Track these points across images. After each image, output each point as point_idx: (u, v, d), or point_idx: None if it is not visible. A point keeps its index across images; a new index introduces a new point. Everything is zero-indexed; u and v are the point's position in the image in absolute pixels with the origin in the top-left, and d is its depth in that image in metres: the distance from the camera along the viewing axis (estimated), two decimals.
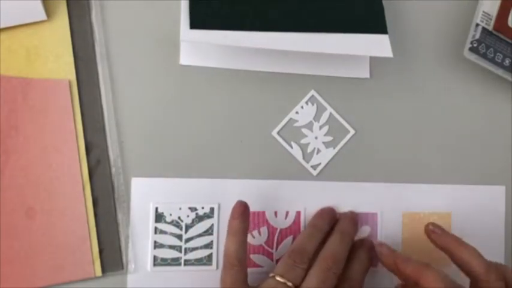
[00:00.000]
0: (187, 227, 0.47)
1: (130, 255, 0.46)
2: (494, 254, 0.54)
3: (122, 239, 0.45)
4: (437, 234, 0.49)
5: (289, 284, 0.43)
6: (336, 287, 0.45)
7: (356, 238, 0.50)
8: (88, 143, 0.45)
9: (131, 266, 0.45)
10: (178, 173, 0.47)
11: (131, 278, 0.46)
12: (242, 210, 0.45)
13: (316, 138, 0.51)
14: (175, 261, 0.47)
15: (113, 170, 0.46)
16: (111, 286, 0.45)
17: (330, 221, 0.49)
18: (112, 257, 0.45)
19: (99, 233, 0.45)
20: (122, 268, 0.45)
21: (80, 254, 0.44)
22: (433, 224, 0.50)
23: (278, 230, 0.49)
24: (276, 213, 0.49)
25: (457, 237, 0.48)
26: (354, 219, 0.50)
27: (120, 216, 0.45)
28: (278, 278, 0.43)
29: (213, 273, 0.47)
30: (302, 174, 0.50)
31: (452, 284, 0.43)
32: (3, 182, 0.43)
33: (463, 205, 0.53)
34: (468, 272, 0.46)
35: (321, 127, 0.51)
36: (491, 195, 0.55)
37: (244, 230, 0.45)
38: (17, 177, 0.43)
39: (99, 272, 0.44)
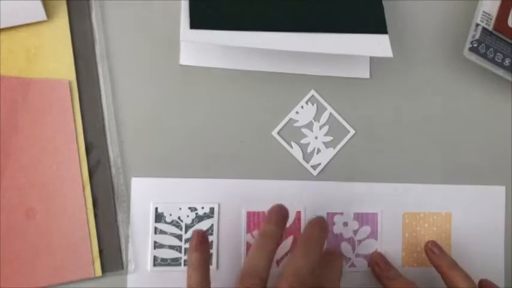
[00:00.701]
0: (187, 227, 0.47)
1: (130, 255, 0.46)
2: (494, 254, 0.54)
3: (122, 239, 0.45)
4: (434, 254, 0.50)
5: None
6: None
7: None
8: (88, 143, 0.45)
9: (131, 266, 0.45)
10: (178, 173, 0.47)
11: (131, 278, 0.46)
12: (200, 241, 0.43)
13: (316, 138, 0.51)
14: (175, 262, 0.47)
15: (113, 170, 0.46)
16: (111, 286, 0.45)
17: (281, 222, 0.44)
18: (112, 257, 0.45)
19: (99, 233, 0.45)
20: (122, 268, 0.45)
21: (80, 254, 0.44)
22: (432, 242, 0.51)
23: None
24: None
25: (452, 261, 0.49)
26: (322, 224, 0.45)
27: (120, 216, 0.45)
28: None
29: (212, 274, 0.46)
30: (302, 174, 0.50)
31: None
32: (3, 182, 0.43)
33: (463, 205, 0.53)
34: None
35: (321, 127, 0.51)
36: (491, 195, 0.55)
37: (205, 261, 0.43)
38: (17, 177, 0.43)
39: (99, 272, 0.44)
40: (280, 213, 0.45)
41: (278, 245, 0.44)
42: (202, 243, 0.43)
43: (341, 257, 0.48)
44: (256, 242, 0.43)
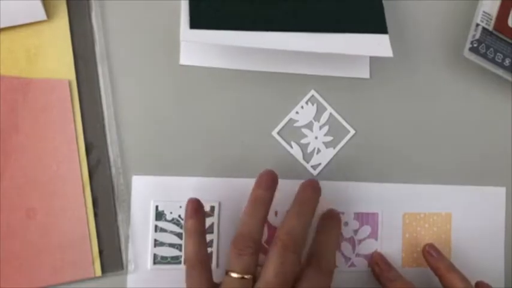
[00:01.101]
0: None
1: (130, 255, 0.46)
2: (494, 255, 0.54)
3: (122, 239, 0.45)
4: (432, 257, 0.50)
5: (247, 276, 0.41)
6: (305, 264, 0.44)
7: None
8: (88, 143, 0.45)
9: (131, 266, 0.45)
10: (178, 172, 0.47)
11: (131, 278, 0.46)
12: (195, 208, 0.43)
13: (316, 138, 0.51)
14: (175, 260, 0.47)
15: (113, 170, 0.46)
16: (111, 286, 0.45)
17: (271, 186, 0.45)
18: (112, 257, 0.45)
19: (99, 233, 0.45)
20: (122, 268, 0.45)
21: (80, 254, 0.44)
22: (430, 245, 0.51)
23: None
24: (276, 212, 0.49)
25: (449, 263, 0.49)
26: (315, 186, 0.46)
27: (120, 216, 0.45)
28: (232, 275, 0.41)
29: (213, 272, 0.46)
30: (302, 174, 0.50)
31: None
32: (3, 182, 0.43)
33: (464, 206, 0.53)
34: None
35: (321, 127, 0.51)
36: (491, 196, 0.54)
37: (201, 228, 0.43)
38: (17, 177, 0.43)
39: (99, 272, 0.44)
40: (269, 178, 0.45)
41: (267, 209, 0.44)
42: (197, 210, 0.43)
43: (339, 222, 0.48)
44: (248, 208, 0.44)
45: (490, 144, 0.55)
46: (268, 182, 0.45)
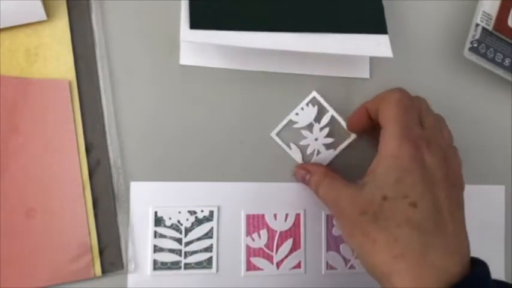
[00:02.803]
0: (187, 231, 0.47)
1: (130, 255, 0.46)
2: (494, 253, 0.54)
3: (122, 239, 0.45)
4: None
5: None
6: None
7: None
8: (88, 143, 0.45)
9: (131, 266, 0.45)
10: (177, 175, 0.47)
11: (131, 278, 0.46)
12: None
13: (316, 139, 0.50)
14: (175, 265, 0.47)
15: (113, 170, 0.46)
16: (111, 286, 0.45)
17: None
18: (112, 257, 0.45)
19: (99, 233, 0.45)
20: (122, 268, 0.45)
21: (80, 254, 0.44)
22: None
23: (278, 233, 0.49)
24: (275, 215, 0.49)
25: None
26: None
27: (120, 216, 0.45)
28: None
29: (213, 277, 0.47)
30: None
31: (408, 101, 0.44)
32: (3, 182, 0.43)
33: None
34: None
35: (321, 129, 0.50)
36: (490, 194, 0.55)
37: None
38: (17, 177, 0.43)
39: (99, 272, 0.44)
40: None
41: None
42: None
43: None
44: None
45: (490, 143, 0.55)
46: None
